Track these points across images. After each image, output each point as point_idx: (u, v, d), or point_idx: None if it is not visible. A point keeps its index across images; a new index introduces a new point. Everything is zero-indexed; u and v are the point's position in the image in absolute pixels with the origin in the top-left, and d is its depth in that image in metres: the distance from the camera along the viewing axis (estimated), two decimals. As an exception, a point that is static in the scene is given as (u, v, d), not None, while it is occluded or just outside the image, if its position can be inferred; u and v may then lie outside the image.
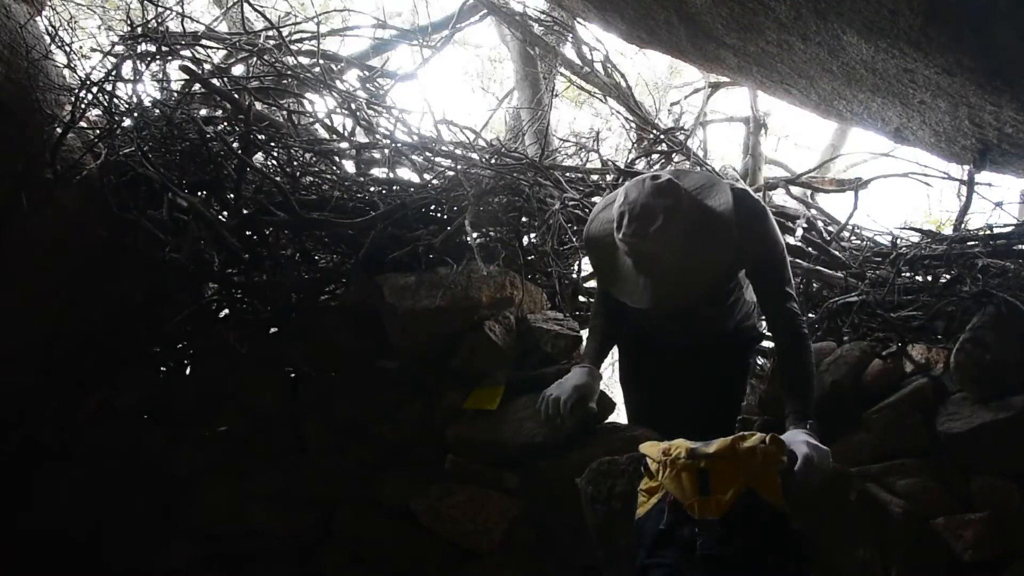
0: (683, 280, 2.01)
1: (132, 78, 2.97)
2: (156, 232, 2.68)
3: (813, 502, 2.03)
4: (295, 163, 3.14)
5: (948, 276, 2.65)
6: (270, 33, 3.51)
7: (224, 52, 3.56)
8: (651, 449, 1.87)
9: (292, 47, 3.54)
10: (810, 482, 1.87)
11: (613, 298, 2.22)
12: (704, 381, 2.37)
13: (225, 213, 2.97)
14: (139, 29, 3.08)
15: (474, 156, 3.23)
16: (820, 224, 3.42)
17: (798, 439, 1.91)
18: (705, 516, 1.70)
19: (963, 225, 3.01)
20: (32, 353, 2.84)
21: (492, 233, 2.96)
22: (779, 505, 1.74)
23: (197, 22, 3.59)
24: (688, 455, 1.76)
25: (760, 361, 2.93)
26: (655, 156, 4.17)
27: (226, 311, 3.11)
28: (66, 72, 2.87)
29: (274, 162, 3.12)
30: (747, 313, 2.43)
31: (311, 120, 3.49)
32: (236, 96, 3.02)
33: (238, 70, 3.54)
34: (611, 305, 2.32)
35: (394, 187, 3.10)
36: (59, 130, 2.67)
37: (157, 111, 2.99)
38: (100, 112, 2.93)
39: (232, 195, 2.90)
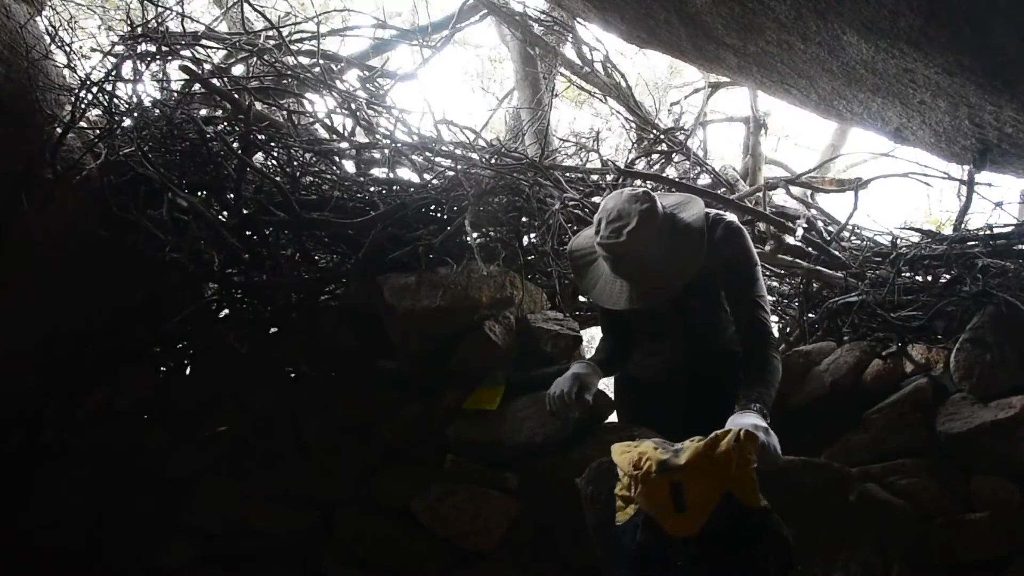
0: (656, 282, 2.08)
1: (132, 78, 2.97)
2: (156, 232, 2.67)
3: (814, 503, 2.03)
4: (295, 163, 3.14)
5: (948, 276, 2.65)
6: (270, 33, 3.51)
7: (224, 52, 3.56)
8: (621, 458, 1.80)
9: (292, 47, 3.54)
10: (766, 469, 1.79)
11: (618, 330, 2.38)
12: (696, 401, 2.32)
13: (225, 213, 2.97)
14: (139, 29, 3.09)
15: (474, 156, 3.23)
16: (820, 224, 3.42)
17: (748, 421, 1.85)
18: (682, 535, 1.64)
19: (963, 225, 3.01)
20: (32, 353, 2.84)
21: (492, 233, 2.96)
22: (757, 505, 1.68)
23: (197, 22, 3.60)
24: (659, 468, 1.68)
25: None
26: (655, 156, 4.18)
27: (226, 311, 3.11)
28: (66, 72, 2.87)
29: (274, 162, 3.13)
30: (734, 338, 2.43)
31: (311, 120, 3.49)
32: (236, 96, 3.02)
33: (238, 70, 3.55)
34: (617, 336, 2.43)
35: (394, 187, 3.10)
36: (59, 130, 2.67)
37: (157, 111, 2.99)
38: (100, 112, 2.93)
39: (232, 195, 2.90)
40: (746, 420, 1.87)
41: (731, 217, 2.22)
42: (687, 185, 3.58)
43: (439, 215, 2.95)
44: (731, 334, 2.38)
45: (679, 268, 2.08)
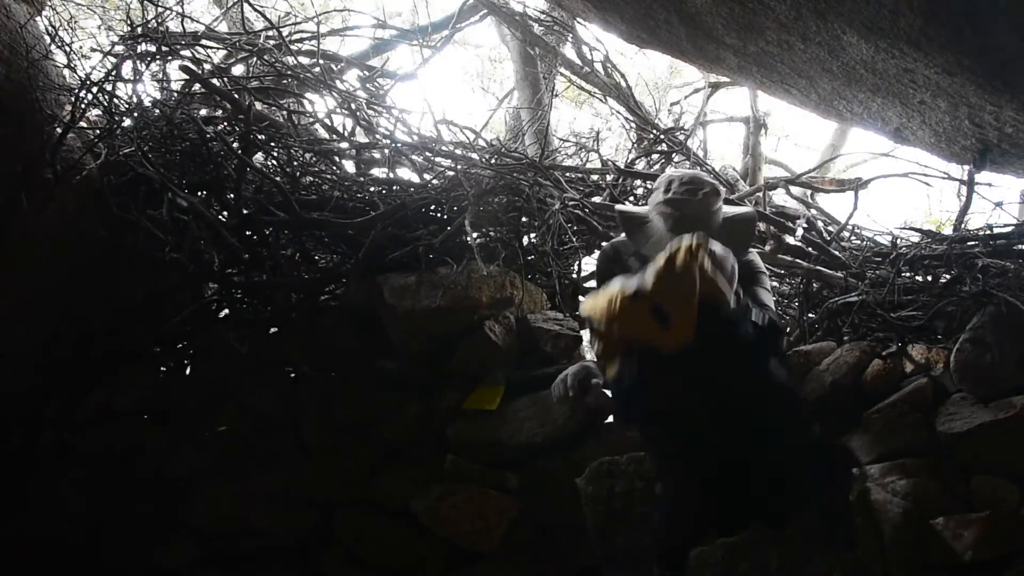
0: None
1: (132, 78, 2.98)
2: (156, 232, 2.68)
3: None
4: (295, 163, 3.14)
5: (948, 276, 2.65)
6: (270, 33, 3.51)
7: (224, 52, 3.56)
8: (594, 311, 1.85)
9: (292, 47, 3.54)
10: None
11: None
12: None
13: (225, 213, 2.97)
14: (139, 29, 3.09)
15: (474, 156, 3.24)
16: (820, 224, 3.42)
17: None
18: (679, 345, 1.71)
19: (963, 225, 3.01)
20: (32, 353, 2.84)
21: (492, 233, 2.96)
22: (728, 301, 1.79)
23: (197, 22, 3.60)
24: (634, 296, 1.76)
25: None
26: (655, 156, 4.17)
27: (226, 311, 3.11)
28: (66, 72, 2.87)
29: (274, 162, 3.13)
30: None
31: (311, 120, 3.49)
32: (236, 96, 3.02)
33: (238, 70, 3.55)
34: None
35: (394, 187, 3.11)
36: (59, 130, 2.67)
37: (157, 111, 2.99)
38: (100, 112, 2.93)
39: (232, 195, 2.91)
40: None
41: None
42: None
43: (439, 215, 2.95)
44: None
45: (734, 242, 2.16)
